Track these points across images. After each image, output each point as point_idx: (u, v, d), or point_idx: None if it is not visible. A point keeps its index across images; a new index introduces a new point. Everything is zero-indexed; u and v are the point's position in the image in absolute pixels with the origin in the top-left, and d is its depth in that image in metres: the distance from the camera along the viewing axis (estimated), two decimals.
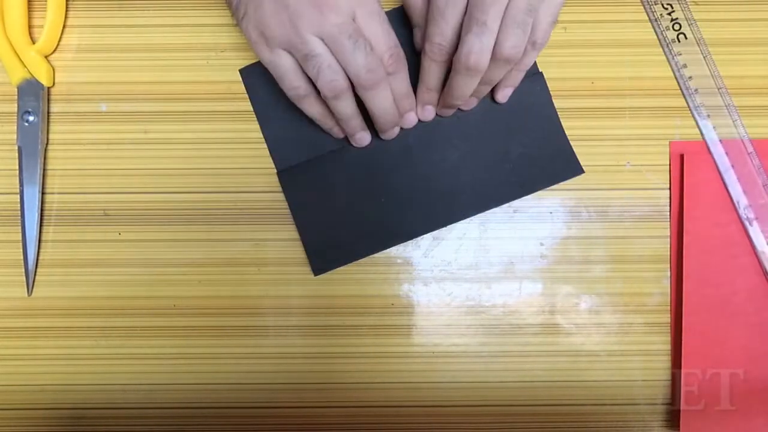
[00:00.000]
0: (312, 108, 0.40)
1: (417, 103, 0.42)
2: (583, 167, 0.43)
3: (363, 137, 0.42)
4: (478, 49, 0.36)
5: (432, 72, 0.40)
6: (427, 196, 0.43)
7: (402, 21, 0.42)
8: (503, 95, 0.42)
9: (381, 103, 0.39)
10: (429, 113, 0.42)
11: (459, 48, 0.37)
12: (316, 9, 0.35)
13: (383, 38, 0.37)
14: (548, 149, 0.43)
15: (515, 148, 0.43)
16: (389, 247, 0.43)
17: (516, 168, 0.43)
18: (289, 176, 0.43)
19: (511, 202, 0.43)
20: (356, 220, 0.43)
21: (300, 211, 0.43)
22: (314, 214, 0.43)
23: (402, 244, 0.44)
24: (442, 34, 0.38)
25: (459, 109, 0.43)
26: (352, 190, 0.43)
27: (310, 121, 0.42)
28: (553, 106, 0.43)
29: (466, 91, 0.39)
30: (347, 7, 0.36)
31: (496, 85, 0.41)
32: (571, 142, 0.43)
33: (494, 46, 0.37)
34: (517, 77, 0.41)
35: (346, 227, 0.43)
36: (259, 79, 0.43)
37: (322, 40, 0.36)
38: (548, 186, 0.43)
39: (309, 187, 0.43)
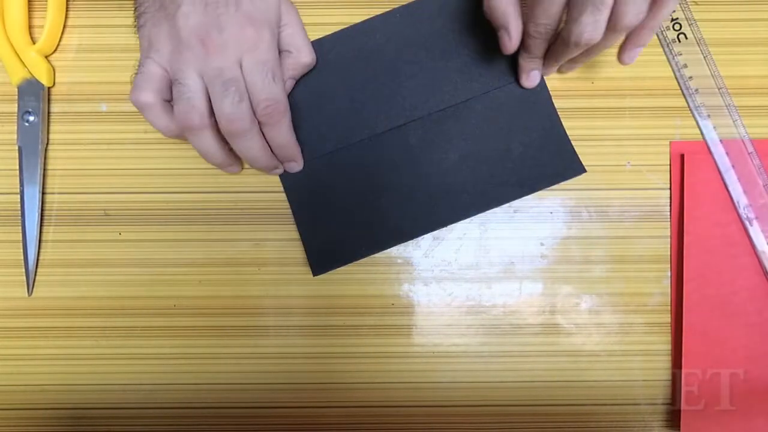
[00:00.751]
0: (158, 120, 0.39)
1: (521, 71, 0.42)
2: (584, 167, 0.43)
3: (232, 170, 0.43)
4: (592, 28, 0.35)
5: (537, 46, 0.39)
6: (427, 196, 0.43)
7: (422, 15, 0.43)
8: (630, 58, 0.40)
9: (248, 151, 0.39)
10: (534, 79, 0.42)
11: (571, 25, 0.36)
12: (203, 47, 0.36)
13: (264, 89, 0.37)
14: (549, 149, 0.43)
15: (516, 147, 0.43)
16: (389, 247, 0.43)
17: (517, 167, 0.43)
18: (290, 177, 0.43)
19: (511, 203, 0.43)
20: (357, 221, 0.43)
21: (301, 212, 0.43)
22: (315, 214, 0.43)
23: (402, 244, 0.44)
24: (548, 16, 0.37)
25: (460, 108, 0.43)
26: (353, 190, 0.43)
27: (309, 125, 0.42)
28: (553, 106, 0.43)
29: (566, 59, 0.39)
30: (234, 52, 0.37)
31: (622, 48, 0.40)
32: (572, 142, 0.43)
33: (614, 17, 0.35)
34: (649, 36, 0.39)
35: (347, 227, 0.43)
36: None
37: (202, 77, 0.37)
38: (550, 186, 0.43)
39: (310, 188, 0.43)
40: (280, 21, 0.39)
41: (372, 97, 0.43)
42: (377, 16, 0.43)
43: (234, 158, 0.41)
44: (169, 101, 0.38)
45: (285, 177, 0.43)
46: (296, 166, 0.42)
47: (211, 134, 0.38)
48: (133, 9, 0.39)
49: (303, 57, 0.41)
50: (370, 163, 0.43)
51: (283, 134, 0.40)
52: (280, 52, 0.40)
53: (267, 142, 0.40)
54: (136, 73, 0.38)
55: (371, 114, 0.43)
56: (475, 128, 0.43)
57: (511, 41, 0.39)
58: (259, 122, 0.38)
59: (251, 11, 0.37)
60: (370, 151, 0.43)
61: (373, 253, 0.43)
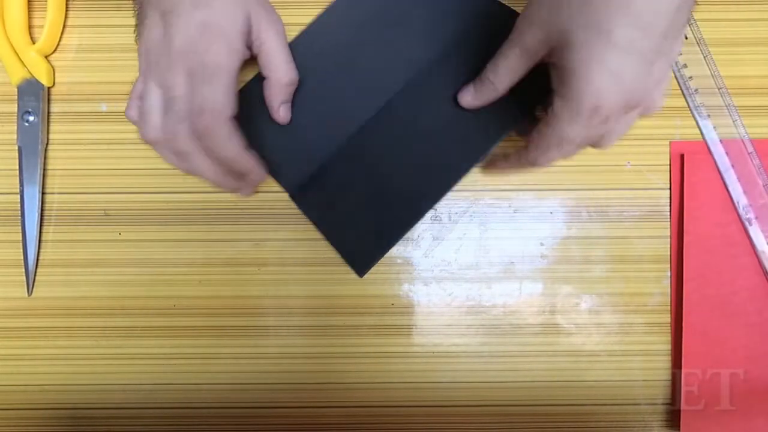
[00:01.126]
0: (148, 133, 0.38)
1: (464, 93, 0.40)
2: (584, 167, 0.43)
3: (243, 192, 0.42)
4: (547, 160, 0.36)
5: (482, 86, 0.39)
6: (429, 159, 0.42)
7: None
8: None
9: (197, 171, 0.38)
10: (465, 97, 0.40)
11: (536, 140, 0.36)
12: (156, 64, 0.36)
13: (198, 99, 0.35)
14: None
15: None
16: (415, 222, 0.42)
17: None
18: (302, 197, 0.42)
19: (511, 203, 0.43)
20: (377, 209, 0.42)
21: (322, 220, 0.42)
22: (336, 217, 0.42)
23: (402, 245, 0.44)
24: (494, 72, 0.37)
25: (433, 66, 0.42)
26: (363, 180, 0.42)
27: (302, 134, 0.42)
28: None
29: (576, 140, 0.36)
30: (182, 66, 0.35)
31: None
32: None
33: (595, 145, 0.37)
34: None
35: (371, 218, 0.42)
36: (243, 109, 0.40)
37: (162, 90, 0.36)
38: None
39: (321, 193, 0.42)
40: (251, 36, 0.38)
41: (350, 85, 0.42)
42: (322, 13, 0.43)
43: (233, 180, 0.39)
44: None
45: (299, 200, 0.43)
46: (255, 177, 0.39)
47: (167, 150, 0.38)
48: (133, 14, 0.39)
49: (282, 77, 0.40)
50: (368, 149, 0.42)
51: (223, 146, 0.36)
52: (262, 77, 0.40)
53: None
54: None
55: (356, 102, 0.42)
56: (452, 75, 0.41)
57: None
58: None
59: (205, 19, 0.35)
60: (364, 137, 0.42)
61: (404, 233, 0.42)
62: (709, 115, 0.43)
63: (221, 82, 0.35)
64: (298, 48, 0.42)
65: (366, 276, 0.43)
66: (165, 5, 0.35)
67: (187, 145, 0.36)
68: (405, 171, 0.42)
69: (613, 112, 0.33)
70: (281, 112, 0.41)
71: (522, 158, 0.38)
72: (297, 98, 0.42)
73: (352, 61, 0.43)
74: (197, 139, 0.36)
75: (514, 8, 0.42)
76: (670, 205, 0.44)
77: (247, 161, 0.38)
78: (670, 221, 0.44)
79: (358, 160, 0.42)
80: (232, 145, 0.37)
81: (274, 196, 0.43)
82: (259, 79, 0.41)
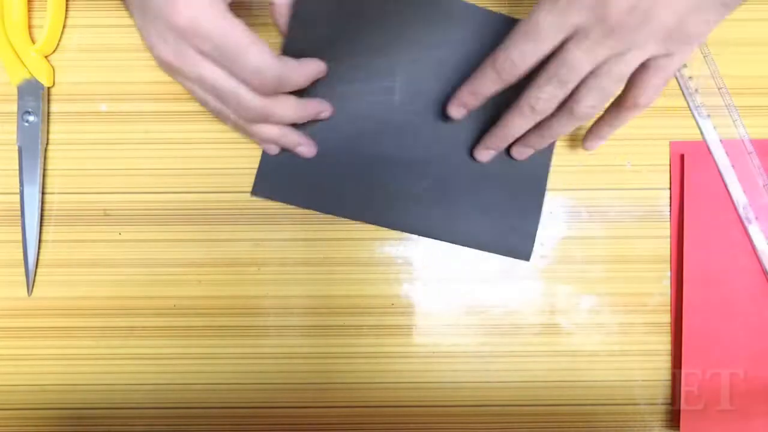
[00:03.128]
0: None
1: (453, 99, 0.38)
2: (584, 167, 0.43)
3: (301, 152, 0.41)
4: (547, 97, 0.34)
5: (485, 80, 0.36)
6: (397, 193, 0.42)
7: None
8: (591, 146, 0.41)
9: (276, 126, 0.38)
10: (459, 113, 0.38)
11: (529, 88, 0.35)
12: (173, 72, 0.35)
13: (245, 67, 0.34)
14: (515, 217, 0.42)
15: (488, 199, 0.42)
16: (344, 215, 0.43)
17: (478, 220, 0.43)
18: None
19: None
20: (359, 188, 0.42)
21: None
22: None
23: (402, 245, 0.44)
24: (521, 50, 0.34)
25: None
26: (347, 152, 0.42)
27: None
28: (547, 170, 0.43)
29: (516, 132, 0.38)
30: (190, 54, 0.33)
31: (588, 135, 0.39)
32: (571, 143, 0.43)
33: (570, 100, 0.35)
34: (608, 132, 0.39)
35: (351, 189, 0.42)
36: None
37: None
38: (486, 251, 0.43)
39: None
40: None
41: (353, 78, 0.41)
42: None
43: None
44: None
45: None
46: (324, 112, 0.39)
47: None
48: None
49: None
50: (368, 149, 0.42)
51: (292, 110, 0.37)
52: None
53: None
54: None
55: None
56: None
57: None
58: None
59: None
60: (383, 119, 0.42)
61: (321, 208, 0.43)
62: (709, 115, 0.43)
63: (243, 42, 0.33)
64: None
65: (366, 276, 0.43)
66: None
67: (264, 104, 0.35)
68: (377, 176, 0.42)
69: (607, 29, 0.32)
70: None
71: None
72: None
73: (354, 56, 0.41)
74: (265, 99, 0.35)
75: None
76: (670, 205, 0.44)
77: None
78: (670, 221, 0.44)
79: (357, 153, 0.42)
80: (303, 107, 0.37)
81: None
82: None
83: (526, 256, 0.43)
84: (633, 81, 0.35)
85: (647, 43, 0.33)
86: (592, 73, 0.34)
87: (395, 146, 0.42)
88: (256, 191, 0.43)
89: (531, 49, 0.33)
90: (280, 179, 0.42)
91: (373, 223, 0.43)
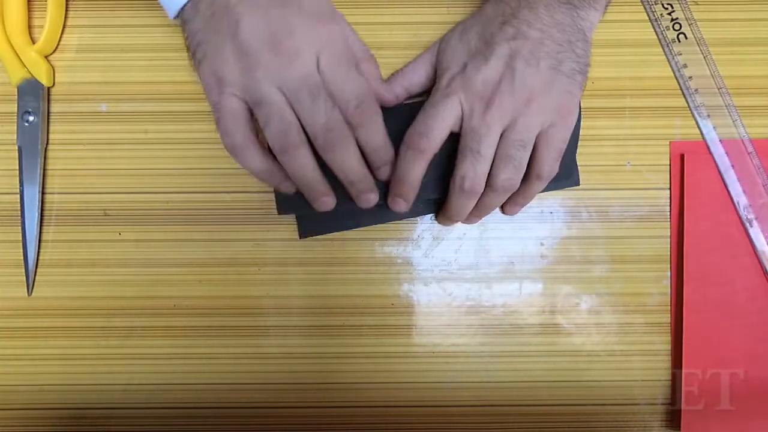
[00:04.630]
0: (253, 162, 0.36)
1: (389, 192, 0.39)
2: (584, 167, 0.43)
3: (326, 202, 0.38)
4: (472, 174, 0.37)
5: (406, 161, 0.37)
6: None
7: None
8: (510, 211, 0.43)
9: (345, 163, 0.36)
10: (399, 206, 0.39)
11: (455, 171, 0.37)
12: (277, 56, 0.33)
13: (349, 85, 0.35)
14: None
15: None
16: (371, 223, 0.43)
17: None
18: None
19: None
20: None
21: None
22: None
23: (402, 245, 0.44)
24: (426, 125, 0.37)
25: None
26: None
27: None
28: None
29: (463, 211, 0.40)
30: (310, 53, 0.34)
31: (506, 202, 0.41)
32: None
33: (490, 176, 0.37)
34: (523, 201, 0.41)
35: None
36: None
37: (281, 89, 0.34)
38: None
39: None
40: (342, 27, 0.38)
41: None
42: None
43: (329, 189, 0.38)
44: (257, 135, 0.36)
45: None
46: (387, 169, 0.38)
47: (308, 151, 0.35)
48: (185, 46, 0.37)
49: (369, 62, 0.39)
50: None
51: (379, 134, 0.36)
52: None
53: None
54: (216, 116, 0.35)
55: None
56: None
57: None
58: (350, 124, 0.35)
59: (314, 8, 0.35)
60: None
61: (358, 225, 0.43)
62: (709, 115, 0.43)
63: (361, 66, 0.36)
64: None
65: (366, 276, 0.43)
66: (266, 2, 0.34)
67: (344, 130, 0.35)
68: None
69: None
70: (386, 89, 0.39)
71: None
72: None
73: None
74: (347, 128, 0.35)
75: None
76: (670, 205, 0.44)
77: (390, 150, 0.38)
78: (670, 221, 0.44)
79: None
80: (383, 129, 0.37)
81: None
82: None
83: (575, 181, 0.43)
84: (532, 156, 0.38)
85: (529, 111, 0.36)
86: (498, 147, 0.37)
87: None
88: (302, 234, 0.43)
89: (434, 122, 0.37)
90: (316, 217, 0.42)
91: (412, 216, 0.43)
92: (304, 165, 0.35)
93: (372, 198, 0.38)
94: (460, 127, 0.38)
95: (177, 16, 0.36)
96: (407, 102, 0.42)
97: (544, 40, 0.36)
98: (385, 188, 0.40)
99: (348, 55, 0.36)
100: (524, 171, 0.38)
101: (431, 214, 0.43)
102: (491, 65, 0.36)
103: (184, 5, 0.35)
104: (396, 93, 0.40)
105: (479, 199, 0.39)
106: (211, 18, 0.34)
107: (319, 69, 0.34)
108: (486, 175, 0.37)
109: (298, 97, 0.34)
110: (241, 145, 0.35)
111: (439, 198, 0.41)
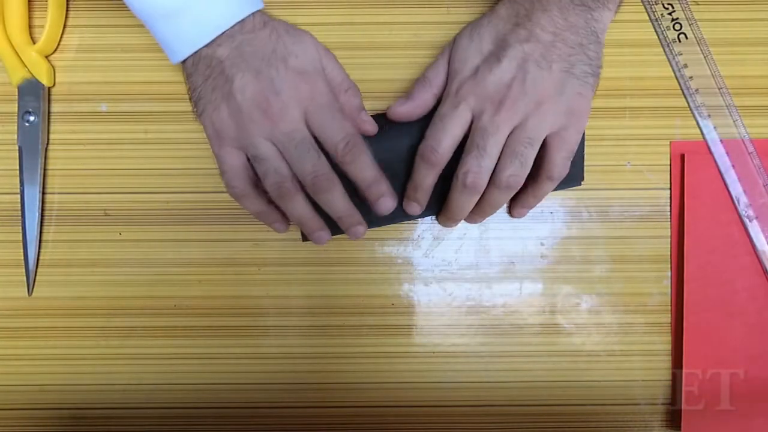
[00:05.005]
0: (252, 206, 0.40)
1: (405, 197, 0.41)
2: (584, 167, 0.43)
3: (320, 236, 0.40)
4: (476, 170, 0.37)
5: (420, 171, 0.39)
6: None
7: None
8: (518, 214, 0.43)
9: (331, 203, 0.38)
10: (413, 209, 0.41)
11: (459, 166, 0.38)
12: (265, 114, 0.37)
13: (336, 130, 0.37)
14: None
15: None
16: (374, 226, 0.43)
17: None
18: None
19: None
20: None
21: None
22: None
23: (402, 245, 0.44)
24: (436, 138, 0.38)
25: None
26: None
27: None
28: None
29: (464, 208, 0.40)
30: (297, 110, 0.37)
31: (513, 201, 0.42)
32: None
33: (494, 173, 0.38)
34: (533, 202, 0.41)
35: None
36: None
37: (273, 143, 0.37)
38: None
39: None
40: (325, 69, 0.39)
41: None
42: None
43: (323, 224, 0.40)
44: (257, 181, 0.39)
45: None
46: (389, 203, 0.40)
47: (302, 197, 0.39)
48: (188, 96, 0.39)
49: (350, 87, 0.40)
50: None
51: (369, 168, 0.39)
52: None
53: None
54: (219, 167, 0.39)
55: None
56: None
57: (402, 104, 0.40)
58: (341, 164, 0.38)
59: (299, 66, 0.37)
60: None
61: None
62: (709, 115, 0.43)
63: (339, 115, 0.38)
64: None
65: (366, 276, 0.43)
66: (256, 64, 0.37)
67: (331, 176, 0.38)
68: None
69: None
70: (365, 119, 0.40)
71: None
72: None
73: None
74: (334, 174, 0.38)
75: None
76: (671, 205, 0.44)
77: (383, 181, 0.40)
78: (671, 221, 0.44)
79: None
80: (373, 164, 0.39)
81: None
82: None
83: (579, 180, 0.43)
84: (543, 157, 0.38)
85: (540, 113, 0.37)
86: (506, 144, 0.37)
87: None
88: (305, 237, 0.43)
89: (443, 135, 0.38)
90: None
91: (418, 217, 0.43)
92: (299, 209, 0.39)
93: (360, 230, 0.41)
94: (469, 128, 0.38)
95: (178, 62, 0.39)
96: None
97: (556, 43, 0.37)
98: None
99: (332, 103, 0.38)
100: (529, 170, 0.38)
101: (432, 216, 0.43)
102: (503, 67, 0.37)
103: (186, 59, 0.38)
104: (371, 127, 0.40)
105: (482, 198, 0.39)
106: (209, 76, 0.37)
107: (306, 121, 0.38)
108: (489, 172, 0.38)
109: (287, 149, 0.37)
110: (240, 194, 0.39)
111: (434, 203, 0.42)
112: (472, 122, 0.38)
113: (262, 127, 0.37)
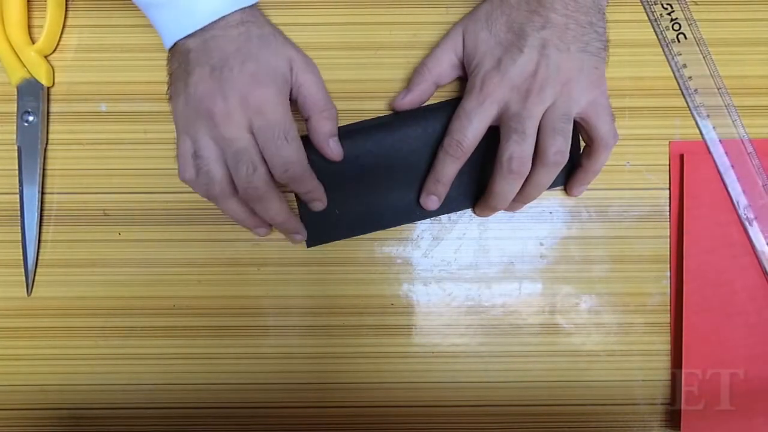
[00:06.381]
0: (200, 193, 0.40)
1: (423, 191, 0.42)
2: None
3: (258, 232, 0.42)
4: (519, 154, 0.38)
5: (444, 165, 0.40)
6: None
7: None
8: (577, 192, 0.43)
9: (266, 213, 0.39)
10: (432, 203, 0.42)
11: (500, 153, 0.38)
12: (211, 119, 0.37)
13: (277, 154, 0.37)
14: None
15: None
16: (379, 228, 0.43)
17: None
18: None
19: None
20: (355, 201, 0.42)
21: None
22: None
23: (402, 245, 0.44)
24: (462, 132, 0.39)
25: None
26: (351, 178, 0.42)
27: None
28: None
29: (509, 195, 0.40)
30: (242, 118, 0.37)
31: (571, 184, 0.43)
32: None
33: (538, 153, 0.38)
34: (591, 177, 0.42)
35: (346, 203, 0.42)
36: None
37: (217, 144, 0.37)
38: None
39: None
40: (295, 81, 0.39)
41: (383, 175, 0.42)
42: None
43: (262, 220, 0.41)
44: None
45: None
46: (299, 236, 0.42)
47: (235, 201, 0.39)
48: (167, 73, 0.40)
49: (324, 109, 0.40)
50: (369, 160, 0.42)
51: (306, 183, 0.39)
52: (305, 118, 0.40)
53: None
54: (176, 152, 0.39)
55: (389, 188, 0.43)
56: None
57: (404, 96, 0.41)
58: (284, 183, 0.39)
59: (255, 72, 0.37)
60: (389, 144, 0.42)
61: (369, 230, 0.43)
62: (708, 115, 0.43)
63: (291, 132, 0.38)
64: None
65: (366, 276, 0.43)
66: (214, 61, 0.37)
67: (261, 190, 0.38)
68: (394, 187, 0.42)
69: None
70: (332, 146, 0.40)
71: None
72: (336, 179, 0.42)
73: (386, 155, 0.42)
74: (273, 185, 0.38)
75: None
76: (670, 205, 0.44)
77: (318, 186, 0.41)
78: (670, 221, 0.44)
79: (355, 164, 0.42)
80: (316, 184, 0.40)
81: None
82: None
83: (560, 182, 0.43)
84: (589, 131, 0.39)
85: (567, 92, 0.38)
86: (541, 125, 0.38)
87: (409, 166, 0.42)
88: (309, 243, 0.43)
89: (469, 130, 0.39)
90: (323, 226, 0.43)
91: (422, 219, 0.43)
92: (233, 211, 0.40)
93: (297, 238, 0.42)
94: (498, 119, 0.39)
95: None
96: (444, 100, 0.43)
97: (570, 25, 0.38)
98: (396, 192, 0.42)
99: (279, 121, 0.37)
100: (570, 145, 0.38)
101: (467, 209, 0.43)
102: (525, 57, 0.38)
103: (171, 47, 0.39)
104: (335, 155, 0.40)
105: (528, 180, 0.39)
106: (179, 66, 0.38)
107: (252, 131, 0.37)
108: (531, 155, 0.38)
109: (226, 155, 0.37)
110: (189, 180, 0.39)
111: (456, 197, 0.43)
112: (501, 114, 0.39)
113: (207, 126, 0.37)
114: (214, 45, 0.37)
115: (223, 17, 0.37)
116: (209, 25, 0.37)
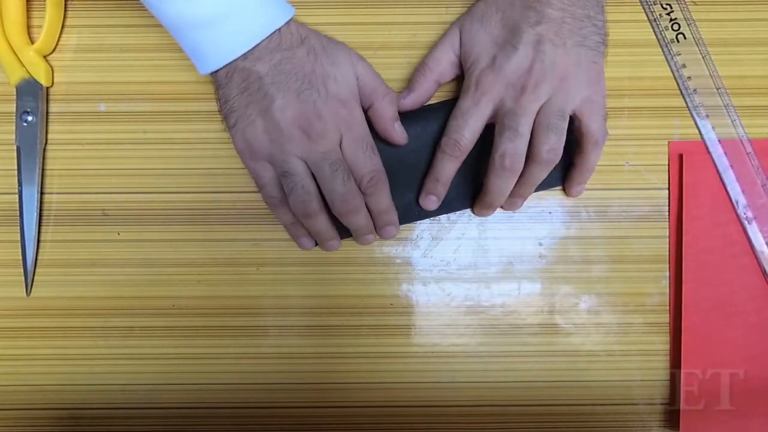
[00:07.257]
0: (285, 216, 0.41)
1: (422, 191, 0.42)
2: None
3: (332, 245, 0.42)
4: (512, 151, 0.38)
5: (442, 164, 0.40)
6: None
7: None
8: (576, 192, 0.43)
9: (355, 224, 0.40)
10: (432, 203, 0.42)
11: (493, 150, 0.39)
12: (306, 135, 0.37)
13: (365, 164, 0.39)
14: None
15: None
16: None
17: None
18: None
19: None
20: None
21: None
22: None
23: (401, 245, 0.44)
24: (459, 131, 0.39)
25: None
26: None
27: None
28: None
29: (503, 192, 0.40)
30: (335, 134, 0.38)
31: (568, 181, 0.43)
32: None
33: (531, 150, 0.39)
34: (587, 175, 0.42)
35: None
36: None
37: (305, 162, 0.38)
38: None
39: None
40: (358, 80, 0.40)
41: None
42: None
43: (333, 233, 0.42)
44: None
45: None
46: (393, 229, 0.42)
47: (326, 216, 0.40)
48: (217, 108, 0.40)
49: (386, 95, 0.40)
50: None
51: (386, 201, 0.40)
52: (366, 107, 0.40)
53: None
54: (258, 182, 0.40)
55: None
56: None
57: (406, 96, 0.41)
58: (363, 192, 0.39)
59: (338, 91, 0.38)
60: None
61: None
62: (707, 115, 0.44)
63: (372, 143, 0.39)
64: None
65: (365, 276, 0.43)
66: (297, 85, 0.37)
67: (358, 201, 0.39)
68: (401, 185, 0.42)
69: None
70: (397, 129, 0.41)
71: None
72: None
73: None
74: (361, 195, 0.39)
75: None
76: (669, 205, 0.44)
77: (393, 210, 0.42)
78: (669, 221, 0.44)
79: None
80: (390, 195, 0.41)
81: None
82: None
83: (559, 182, 0.43)
84: (580, 129, 0.39)
85: (563, 88, 0.38)
86: (536, 122, 0.38)
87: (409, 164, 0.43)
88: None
89: (465, 129, 0.39)
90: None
91: (421, 219, 0.43)
92: (318, 224, 0.40)
93: (370, 238, 0.42)
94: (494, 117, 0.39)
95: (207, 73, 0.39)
96: (443, 100, 0.43)
97: (566, 19, 0.38)
98: (397, 192, 0.42)
99: (364, 135, 0.39)
100: (563, 142, 0.38)
101: (467, 209, 0.43)
102: (520, 54, 0.38)
103: (218, 69, 0.37)
104: (400, 139, 0.41)
105: (521, 177, 0.40)
106: (245, 90, 0.37)
107: (341, 146, 0.39)
108: (524, 152, 0.38)
109: (321, 168, 0.38)
110: (278, 204, 0.40)
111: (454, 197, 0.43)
112: (497, 111, 0.39)
113: (300, 146, 0.37)
114: (290, 68, 0.37)
115: (281, 35, 0.37)
116: (269, 45, 0.37)
